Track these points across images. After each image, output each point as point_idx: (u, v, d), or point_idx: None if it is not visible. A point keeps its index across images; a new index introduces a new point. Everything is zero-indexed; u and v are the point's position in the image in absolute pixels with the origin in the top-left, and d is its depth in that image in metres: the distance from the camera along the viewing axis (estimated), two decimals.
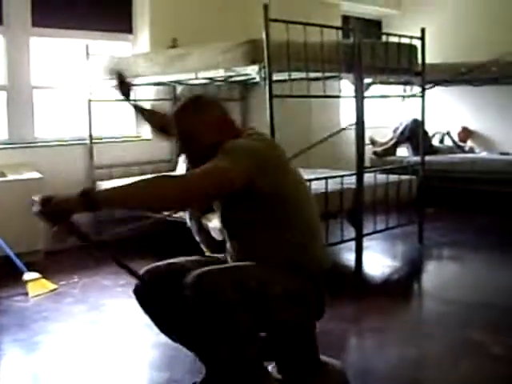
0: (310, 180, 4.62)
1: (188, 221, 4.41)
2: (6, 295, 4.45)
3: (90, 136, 5.99)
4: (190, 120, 2.55)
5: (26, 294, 4.47)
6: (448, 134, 8.79)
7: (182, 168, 4.95)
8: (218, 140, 2.46)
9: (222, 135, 2.50)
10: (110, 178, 5.94)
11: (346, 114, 8.10)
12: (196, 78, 5.11)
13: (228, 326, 2.24)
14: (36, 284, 4.58)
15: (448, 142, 8.81)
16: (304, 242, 2.51)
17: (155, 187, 2.24)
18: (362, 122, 5.02)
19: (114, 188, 2.27)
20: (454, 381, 3.05)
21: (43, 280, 4.65)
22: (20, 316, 4.06)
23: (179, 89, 6.41)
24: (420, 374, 3.20)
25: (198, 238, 4.32)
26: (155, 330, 3.67)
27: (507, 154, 7.92)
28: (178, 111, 2.62)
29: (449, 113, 8.90)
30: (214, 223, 4.21)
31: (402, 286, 4.87)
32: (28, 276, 4.62)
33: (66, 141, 6.05)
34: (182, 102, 2.65)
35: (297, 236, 2.49)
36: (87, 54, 5.94)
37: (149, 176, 2.36)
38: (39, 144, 5.85)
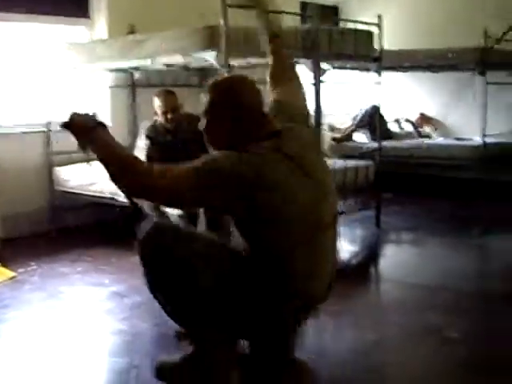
0: None
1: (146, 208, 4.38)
2: None
3: (48, 122, 5.93)
4: (232, 101, 2.45)
5: None
6: (408, 120, 8.90)
7: (140, 154, 4.93)
8: (239, 140, 2.41)
9: (246, 135, 2.43)
10: (70, 163, 5.89)
11: None
12: (154, 64, 5.10)
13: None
14: None
15: (407, 127, 8.90)
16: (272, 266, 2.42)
17: (126, 163, 2.38)
18: (321, 109, 5.05)
19: (108, 139, 2.43)
20: (412, 364, 3.10)
21: (1, 268, 4.62)
22: None
23: (136, 75, 6.37)
24: (377, 357, 3.23)
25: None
26: (114, 316, 3.70)
27: (463, 139, 8.02)
28: (220, 84, 2.54)
29: (407, 99, 8.99)
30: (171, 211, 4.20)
31: (360, 270, 4.93)
32: None
33: (22, 127, 5.97)
34: (232, 76, 2.70)
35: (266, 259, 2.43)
36: (43, 39, 5.88)
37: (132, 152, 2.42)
38: None
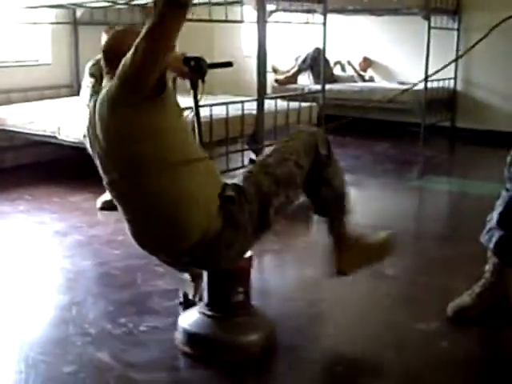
0: (211, 105, 4.63)
1: None
2: None
3: None
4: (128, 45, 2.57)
5: None
6: (349, 62, 8.91)
7: (85, 93, 4.86)
8: None
9: None
10: (9, 102, 5.78)
11: (248, 42, 8.09)
12: (96, 1, 5.00)
13: None
14: None
15: (349, 71, 8.93)
16: None
17: None
18: (264, 49, 5.03)
19: None
20: (351, 300, 3.20)
21: None
22: None
23: (79, 12, 6.24)
24: (318, 294, 3.32)
25: None
26: (56, 254, 3.71)
27: (406, 83, 8.09)
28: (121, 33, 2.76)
29: (350, 42, 8.99)
30: None
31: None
32: None
33: None
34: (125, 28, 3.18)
35: None
36: None
37: None
38: None
